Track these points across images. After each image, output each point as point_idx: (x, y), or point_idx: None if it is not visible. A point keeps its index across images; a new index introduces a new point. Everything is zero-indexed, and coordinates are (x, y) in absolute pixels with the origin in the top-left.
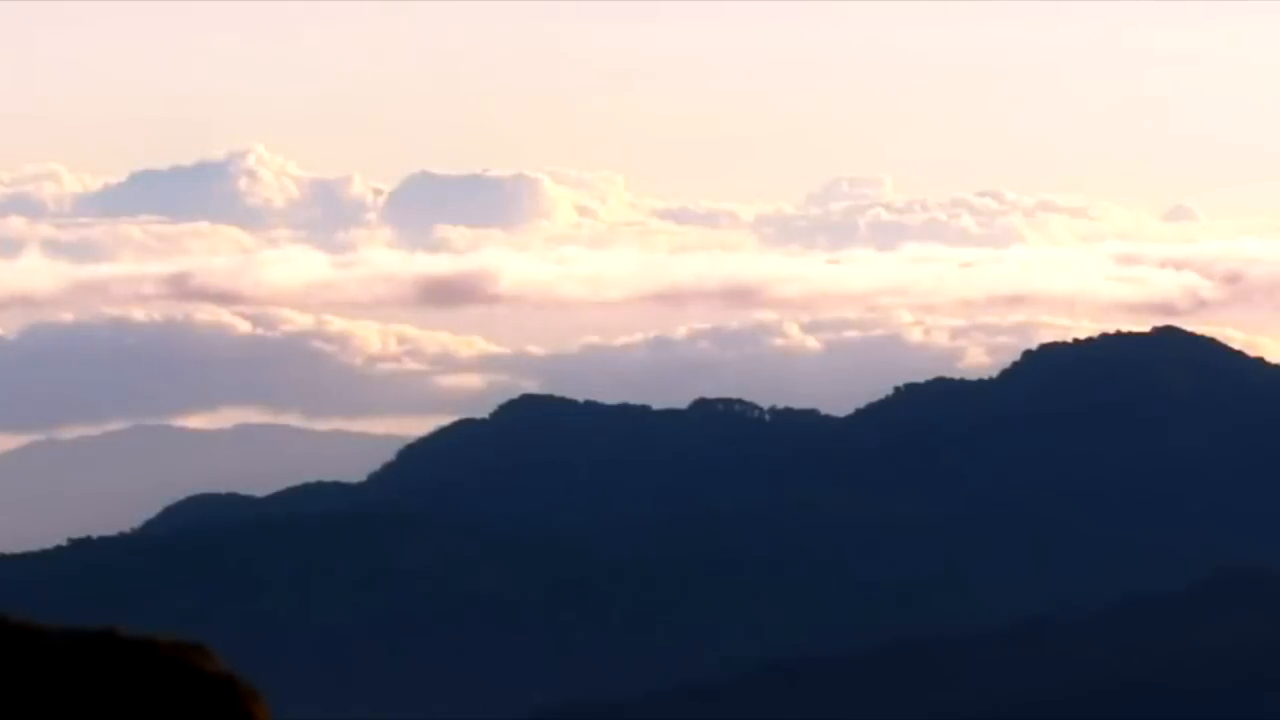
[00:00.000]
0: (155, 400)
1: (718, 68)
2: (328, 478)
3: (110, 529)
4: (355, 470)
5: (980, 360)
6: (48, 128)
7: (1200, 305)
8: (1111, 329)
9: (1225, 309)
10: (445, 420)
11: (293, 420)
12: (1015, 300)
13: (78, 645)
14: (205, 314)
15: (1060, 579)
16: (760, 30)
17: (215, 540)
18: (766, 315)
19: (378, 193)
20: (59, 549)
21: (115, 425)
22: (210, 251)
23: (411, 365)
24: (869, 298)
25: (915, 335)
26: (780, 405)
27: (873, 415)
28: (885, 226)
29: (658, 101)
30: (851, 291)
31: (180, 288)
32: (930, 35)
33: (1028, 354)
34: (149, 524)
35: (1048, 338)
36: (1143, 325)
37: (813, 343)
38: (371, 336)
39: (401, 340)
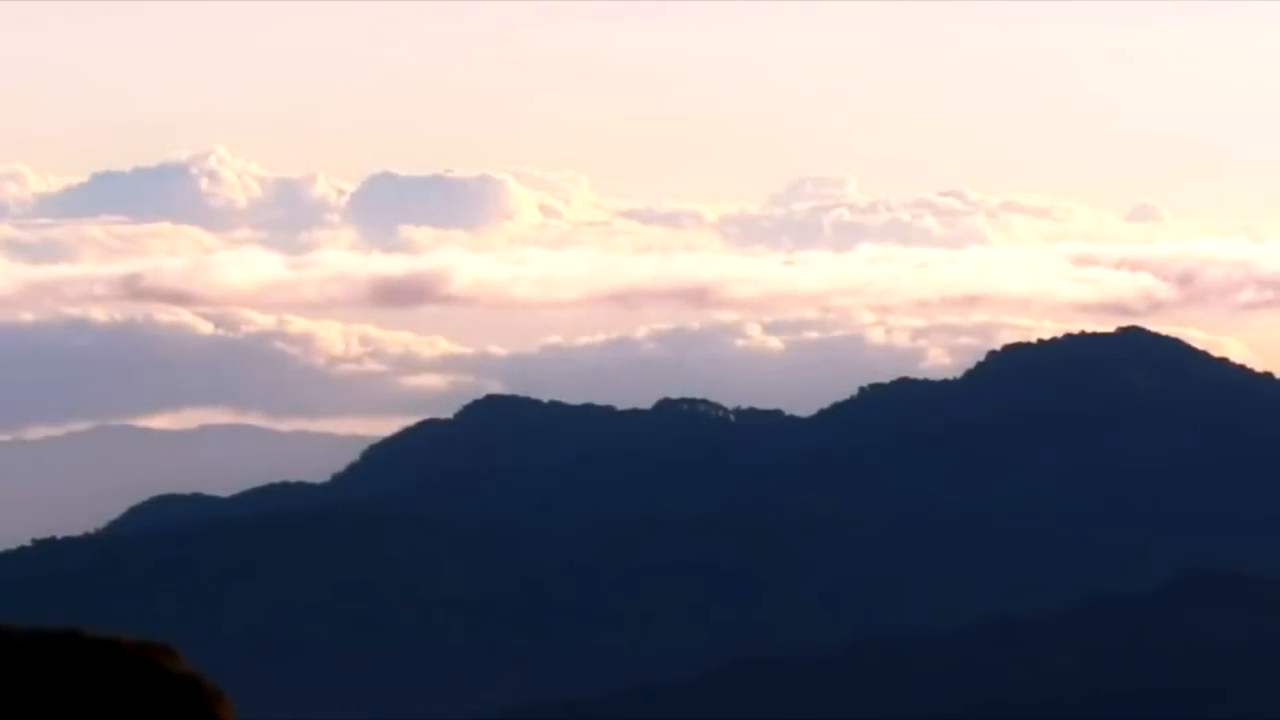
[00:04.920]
0: (119, 401)
1: (683, 68)
2: (292, 478)
3: (75, 529)
4: (320, 471)
5: (942, 361)
6: (10, 129)
7: (1156, 306)
8: (1075, 329)
9: (1180, 309)
10: (409, 420)
11: (256, 421)
12: (971, 301)
13: (42, 645)
14: (167, 315)
15: (1026, 580)
16: (727, 31)
17: (180, 541)
18: (726, 316)
19: (340, 193)
20: (23, 549)
21: (79, 426)
22: (172, 252)
23: (374, 366)
24: (824, 298)
25: (877, 336)
26: (744, 406)
27: (837, 415)
28: (848, 227)
29: (622, 102)
30: (807, 292)
31: (132, 289)
32: (898, 35)
33: (992, 354)
34: (113, 524)
35: (1009, 338)
36: (1098, 325)
37: (775, 343)
38: (334, 337)
39: (364, 341)
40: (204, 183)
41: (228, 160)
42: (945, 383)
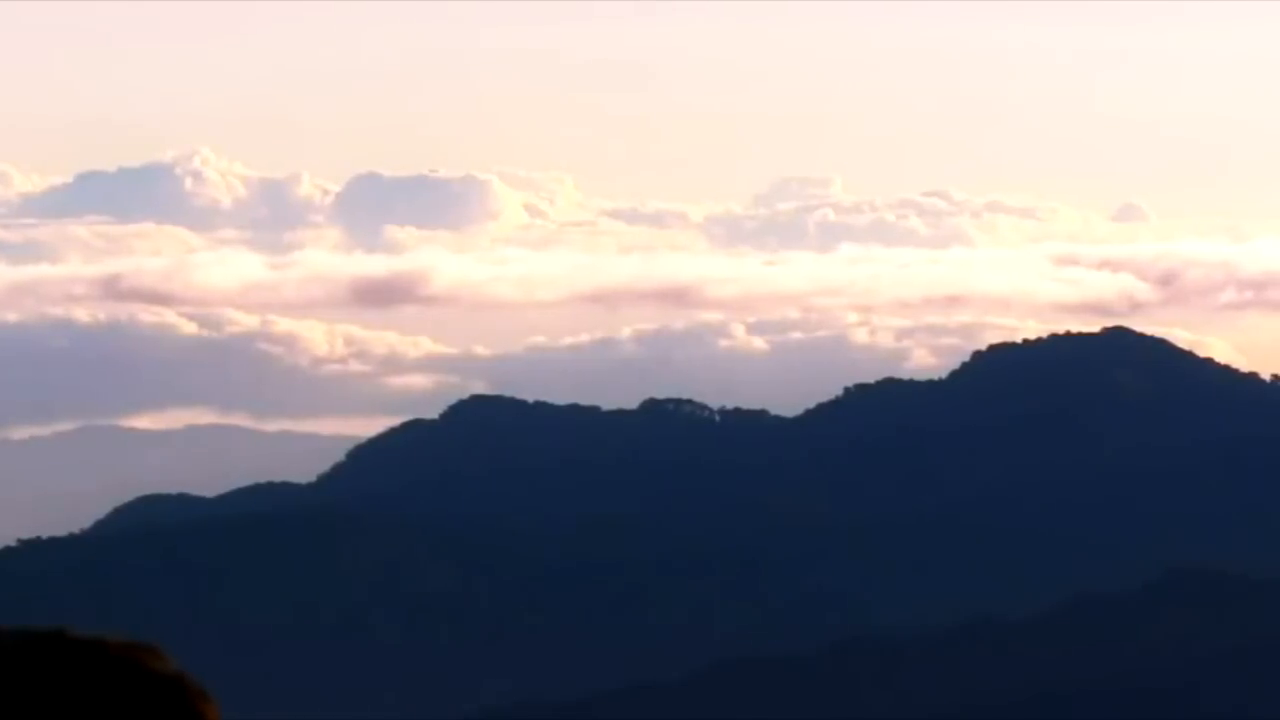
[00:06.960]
0: (103, 401)
1: (669, 68)
2: (277, 478)
3: (60, 529)
4: (305, 471)
5: (926, 361)
6: None
7: (1137, 306)
8: (1060, 329)
9: (1161, 310)
10: (394, 421)
11: (241, 421)
12: (952, 301)
13: (27, 645)
14: (150, 315)
15: (1011, 579)
16: (712, 31)
17: (165, 541)
18: (710, 316)
19: (325, 193)
20: (8, 549)
21: (64, 426)
22: (156, 253)
23: (358, 366)
24: (806, 298)
25: (860, 336)
26: (730, 406)
27: (823, 416)
28: (833, 227)
29: (607, 102)
30: (789, 292)
31: (114, 289)
32: (883, 36)
33: (977, 354)
34: (99, 524)
35: (994, 338)
36: (1079, 326)
37: (759, 343)
38: (318, 337)
39: (348, 341)
40: (188, 183)
41: (212, 160)
42: (931, 383)
